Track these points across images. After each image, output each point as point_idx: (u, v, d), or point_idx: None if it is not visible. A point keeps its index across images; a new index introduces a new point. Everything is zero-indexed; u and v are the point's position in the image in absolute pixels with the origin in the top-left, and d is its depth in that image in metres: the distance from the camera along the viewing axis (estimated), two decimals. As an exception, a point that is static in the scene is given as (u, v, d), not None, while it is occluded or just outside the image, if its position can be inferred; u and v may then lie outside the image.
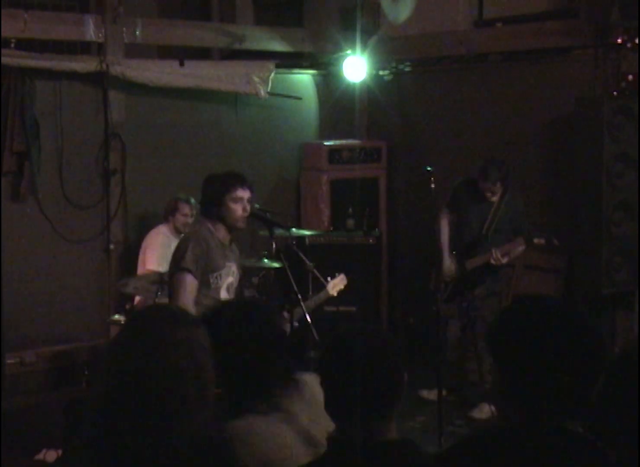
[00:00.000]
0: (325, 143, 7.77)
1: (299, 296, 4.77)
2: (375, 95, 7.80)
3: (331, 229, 7.56)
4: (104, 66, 6.63)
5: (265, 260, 6.07)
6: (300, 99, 7.93)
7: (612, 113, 5.86)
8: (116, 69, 6.69)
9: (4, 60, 6.20)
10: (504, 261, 6.05)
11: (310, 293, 5.80)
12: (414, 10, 7.23)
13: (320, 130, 8.16)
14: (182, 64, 7.03)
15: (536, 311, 2.00)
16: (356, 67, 7.61)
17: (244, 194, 4.47)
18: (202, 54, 8.08)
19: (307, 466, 2.28)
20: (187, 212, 6.44)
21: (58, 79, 6.60)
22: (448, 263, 6.24)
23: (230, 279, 4.55)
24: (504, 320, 2.05)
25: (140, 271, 6.46)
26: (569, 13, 6.65)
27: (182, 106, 7.28)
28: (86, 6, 7.65)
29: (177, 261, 4.40)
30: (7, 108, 6.31)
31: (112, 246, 6.90)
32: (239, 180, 4.49)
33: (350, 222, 7.49)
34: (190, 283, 4.35)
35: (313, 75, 8.13)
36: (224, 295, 4.51)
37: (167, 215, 6.53)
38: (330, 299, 5.57)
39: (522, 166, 6.63)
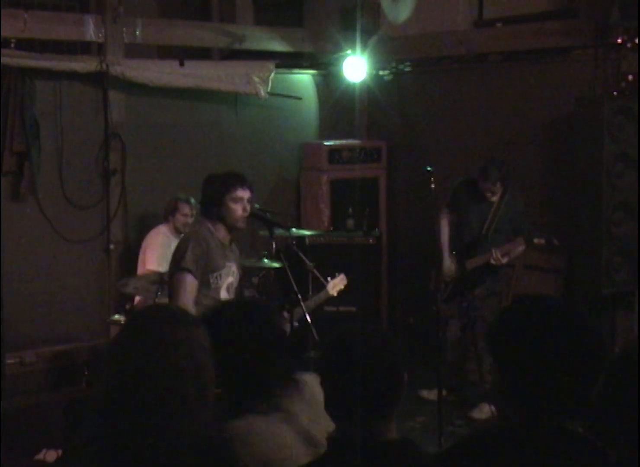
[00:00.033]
0: (325, 143, 7.77)
1: (299, 296, 4.77)
2: (375, 95, 7.80)
3: (331, 229, 7.57)
4: (104, 66, 6.63)
5: (265, 260, 6.07)
6: (300, 99, 7.93)
7: (612, 113, 5.86)
8: (116, 69, 6.69)
9: (4, 60, 6.20)
10: (504, 261, 6.05)
11: (310, 293, 5.80)
12: (414, 10, 7.23)
13: (320, 130, 8.16)
14: (182, 64, 7.03)
15: (536, 311, 2.00)
16: (356, 67, 7.61)
17: (243, 194, 4.47)
18: (202, 54, 8.09)
19: (308, 466, 2.28)
20: (187, 212, 6.45)
21: (58, 79, 6.60)
22: (448, 263, 6.24)
23: (230, 279, 4.55)
24: (504, 320, 2.05)
25: (140, 270, 6.46)
26: (569, 13, 6.66)
27: (182, 106, 7.28)
28: (86, 6, 7.67)
29: (177, 261, 4.40)
30: (7, 108, 6.31)
31: (112, 246, 6.91)
32: (239, 180, 4.49)
33: (350, 222, 7.49)
34: (190, 283, 4.35)
35: (313, 75, 8.13)
36: (224, 295, 4.51)
37: (167, 215, 6.53)
38: (330, 299, 5.57)
39: (522, 166, 6.62)
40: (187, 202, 6.44)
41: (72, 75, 6.61)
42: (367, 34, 7.67)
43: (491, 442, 1.98)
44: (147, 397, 1.81)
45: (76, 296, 6.84)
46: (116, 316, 6.40)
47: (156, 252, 6.33)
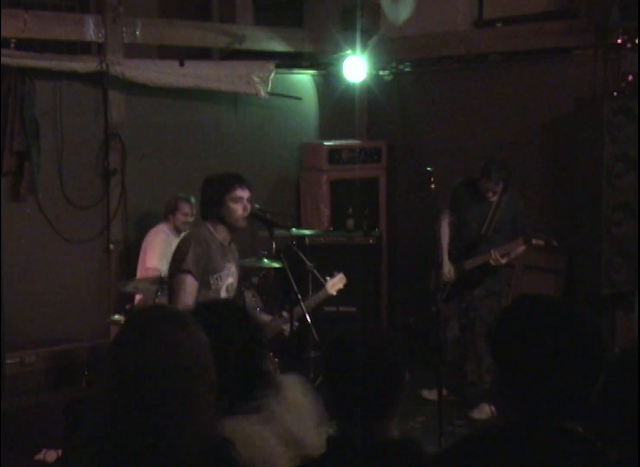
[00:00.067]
0: (325, 143, 7.77)
1: (299, 296, 4.77)
2: (375, 95, 7.80)
3: (331, 229, 7.56)
4: (104, 66, 6.63)
5: (265, 260, 6.08)
6: (300, 99, 7.93)
7: (612, 113, 5.86)
8: (116, 69, 6.69)
9: (4, 60, 6.20)
10: (503, 261, 6.04)
11: (310, 293, 5.80)
12: (414, 10, 7.23)
13: (320, 130, 8.16)
14: (182, 64, 7.03)
15: (536, 311, 2.00)
16: (356, 67, 7.61)
17: (243, 193, 4.47)
18: (202, 54, 8.09)
19: (307, 466, 2.28)
20: (187, 211, 6.45)
21: (58, 79, 6.60)
22: (447, 267, 6.23)
23: (230, 280, 4.55)
24: (504, 320, 2.05)
25: (140, 270, 6.46)
26: (569, 13, 6.66)
27: (182, 106, 7.28)
28: (86, 6, 7.67)
29: (178, 262, 4.39)
30: (7, 108, 6.31)
31: (112, 246, 6.91)
32: (238, 180, 4.50)
33: (350, 222, 7.49)
34: (190, 284, 4.34)
35: (313, 75, 8.13)
36: (223, 296, 4.51)
37: (167, 214, 6.53)
38: (330, 299, 5.56)
39: (522, 166, 6.62)
40: (188, 201, 6.44)
41: (72, 75, 6.61)
42: (367, 34, 7.67)
43: (491, 442, 1.98)
44: (147, 397, 1.81)
45: (76, 296, 6.84)
46: (116, 316, 6.40)
47: (157, 250, 6.33)
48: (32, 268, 6.64)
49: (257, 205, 5.75)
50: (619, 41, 6.03)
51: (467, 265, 6.19)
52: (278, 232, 5.20)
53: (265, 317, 5.05)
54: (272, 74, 7.37)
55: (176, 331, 1.89)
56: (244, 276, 5.67)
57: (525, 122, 6.82)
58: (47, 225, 6.65)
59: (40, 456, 5.13)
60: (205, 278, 4.39)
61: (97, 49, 6.94)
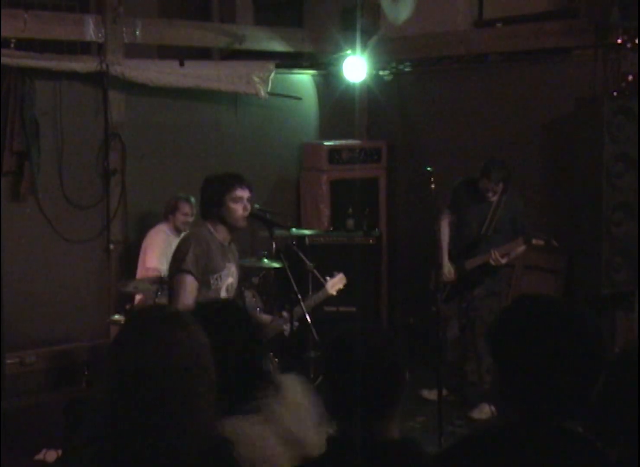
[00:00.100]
0: (325, 143, 7.77)
1: (299, 296, 4.77)
2: (375, 95, 7.80)
3: (331, 229, 7.57)
4: (104, 66, 6.63)
5: (265, 260, 6.08)
6: (300, 99, 7.94)
7: (612, 113, 5.86)
8: (116, 69, 6.69)
9: (4, 60, 6.20)
10: (503, 261, 6.04)
11: (310, 293, 5.81)
12: (414, 10, 7.23)
13: (320, 130, 8.16)
14: (182, 64, 7.03)
15: (536, 311, 2.00)
16: (356, 67, 7.61)
17: (243, 193, 4.47)
18: (202, 54, 8.09)
19: (307, 466, 2.28)
20: (187, 211, 6.45)
21: (58, 79, 6.60)
22: (447, 267, 6.23)
23: (230, 280, 4.55)
24: (504, 320, 2.05)
25: (140, 270, 6.46)
26: (569, 13, 6.66)
27: (182, 106, 7.28)
28: (86, 6, 7.67)
29: (178, 262, 4.40)
30: (7, 108, 6.31)
31: (112, 246, 6.91)
32: (238, 180, 4.50)
33: (350, 222, 7.49)
34: (190, 284, 4.34)
35: (313, 75, 8.13)
36: (224, 296, 4.51)
37: (167, 214, 6.54)
38: (330, 299, 5.56)
39: (522, 166, 6.63)
40: (188, 201, 6.44)
41: (72, 75, 6.61)
42: (367, 34, 7.67)
43: (491, 442, 1.98)
44: (147, 397, 1.81)
45: (76, 296, 6.84)
46: (116, 316, 6.40)
47: (157, 250, 6.33)
48: (32, 268, 6.64)
49: (257, 205, 5.75)
50: (619, 41, 6.03)
51: (467, 265, 6.19)
52: (278, 232, 5.20)
53: (265, 317, 5.05)
54: (272, 74, 7.37)
55: (176, 331, 1.89)
56: (244, 276, 5.66)
57: (525, 122, 6.82)
58: (47, 225, 6.65)
59: (40, 456, 5.14)
60: (205, 278, 4.39)
61: (97, 49, 6.94)
